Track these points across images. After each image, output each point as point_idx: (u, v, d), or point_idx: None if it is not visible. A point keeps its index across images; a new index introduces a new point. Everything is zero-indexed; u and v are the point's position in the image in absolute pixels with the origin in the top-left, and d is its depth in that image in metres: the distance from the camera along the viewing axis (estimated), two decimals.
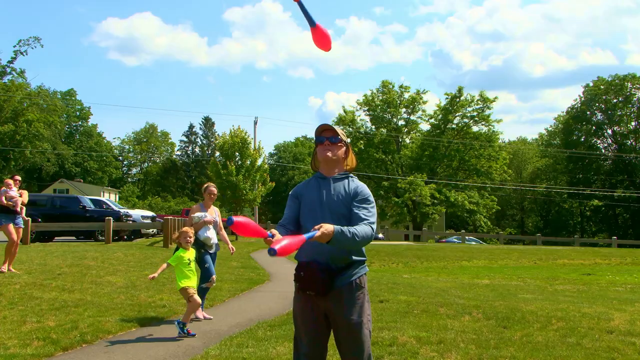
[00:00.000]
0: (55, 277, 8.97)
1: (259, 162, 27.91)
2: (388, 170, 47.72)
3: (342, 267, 2.87)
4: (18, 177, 9.63)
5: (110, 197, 55.53)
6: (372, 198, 2.99)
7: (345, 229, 2.69)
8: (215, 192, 7.13)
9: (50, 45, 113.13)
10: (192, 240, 6.02)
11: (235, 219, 2.52)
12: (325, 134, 3.02)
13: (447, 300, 8.24)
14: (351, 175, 3.08)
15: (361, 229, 2.76)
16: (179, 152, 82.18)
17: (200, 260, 6.62)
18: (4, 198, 9.11)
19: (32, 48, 43.88)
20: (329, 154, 2.99)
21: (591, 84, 58.10)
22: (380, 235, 40.30)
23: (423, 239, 38.61)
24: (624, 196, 54.97)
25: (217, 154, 28.01)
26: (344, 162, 3.09)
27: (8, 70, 44.44)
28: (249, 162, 27.03)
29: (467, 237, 39.08)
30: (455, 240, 39.21)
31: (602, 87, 57.13)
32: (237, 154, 27.01)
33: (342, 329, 2.88)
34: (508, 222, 68.14)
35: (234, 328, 6.20)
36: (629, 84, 56.10)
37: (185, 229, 6.13)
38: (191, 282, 5.90)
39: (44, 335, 5.39)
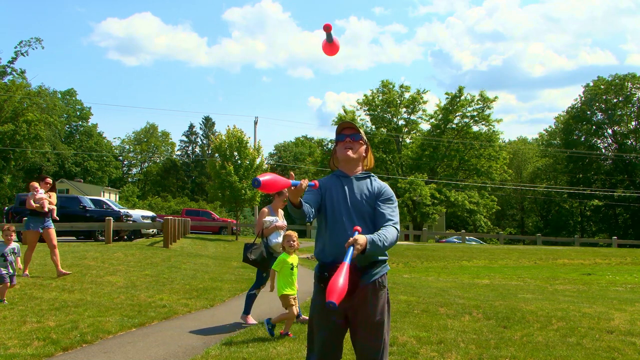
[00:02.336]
0: (55, 277, 8.97)
1: (258, 161, 27.84)
2: (388, 170, 47.70)
3: (365, 266, 2.85)
4: (49, 180, 9.35)
5: (110, 197, 55.53)
6: (395, 198, 2.99)
7: (376, 238, 2.69)
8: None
9: (50, 45, 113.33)
10: (296, 244, 5.69)
11: (261, 179, 2.46)
12: (346, 131, 3.02)
13: (447, 300, 8.24)
14: (372, 174, 3.07)
15: (390, 234, 2.77)
16: (179, 152, 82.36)
17: (267, 266, 6.16)
18: (32, 201, 8.89)
19: (33, 49, 43.75)
20: (350, 152, 2.98)
21: (591, 84, 58.10)
22: None
23: (423, 238, 38.60)
24: (624, 196, 54.94)
25: (217, 154, 27.93)
26: (364, 161, 3.08)
27: (8, 70, 44.39)
28: (247, 162, 26.97)
29: (467, 237, 39.05)
30: (456, 240, 39.18)
31: (602, 86, 57.10)
32: (236, 153, 26.95)
33: (363, 328, 2.85)
34: (508, 222, 68.10)
35: (234, 328, 6.20)
36: (629, 83, 56.07)
37: (289, 232, 5.77)
38: (293, 289, 5.64)
39: (44, 335, 5.39)
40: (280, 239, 6.17)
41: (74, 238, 19.24)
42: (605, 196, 54.74)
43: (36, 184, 9.11)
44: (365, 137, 3.06)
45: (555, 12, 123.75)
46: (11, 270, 6.91)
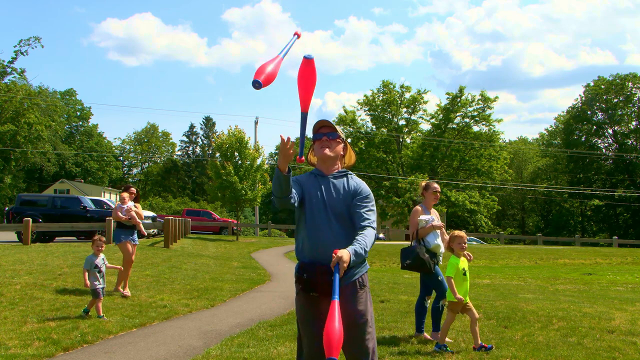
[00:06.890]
0: (56, 278, 8.97)
1: (259, 161, 27.83)
2: (389, 170, 47.71)
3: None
4: (134, 190, 8.83)
5: (110, 197, 55.55)
6: (372, 196, 2.97)
7: (357, 247, 2.64)
8: (440, 190, 5.96)
9: (50, 45, 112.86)
10: (466, 245, 5.20)
11: (260, 79, 2.51)
12: (323, 130, 3.00)
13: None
14: (350, 172, 3.04)
15: (368, 238, 2.74)
16: (179, 152, 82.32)
17: (431, 270, 5.51)
18: (119, 212, 8.41)
19: (33, 48, 43.81)
20: (327, 150, 2.97)
21: (592, 84, 58.07)
22: (381, 235, 40.28)
23: None
24: (624, 196, 54.88)
25: (217, 154, 27.92)
26: (342, 160, 3.07)
27: (9, 70, 44.39)
28: (248, 162, 26.95)
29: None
30: None
31: (602, 86, 57.03)
32: (237, 154, 26.93)
33: (347, 328, 2.83)
34: (509, 222, 68.04)
35: (235, 328, 6.20)
36: (630, 83, 55.99)
37: (460, 233, 5.22)
38: (464, 292, 5.06)
39: (44, 335, 5.40)
40: (439, 240, 5.63)
41: (74, 238, 19.24)
42: (606, 196, 54.68)
43: (126, 195, 8.59)
44: (343, 135, 3.04)
45: (555, 12, 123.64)
46: (104, 283, 6.56)
